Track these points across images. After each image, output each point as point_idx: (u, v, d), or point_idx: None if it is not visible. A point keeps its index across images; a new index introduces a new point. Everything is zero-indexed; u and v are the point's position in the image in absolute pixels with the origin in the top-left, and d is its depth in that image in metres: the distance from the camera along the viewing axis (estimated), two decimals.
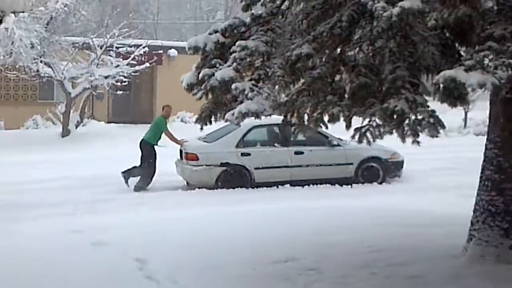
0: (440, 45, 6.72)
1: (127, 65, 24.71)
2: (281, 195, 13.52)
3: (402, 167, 15.26)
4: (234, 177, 14.27)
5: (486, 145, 7.73)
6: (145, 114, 29.78)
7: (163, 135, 14.74)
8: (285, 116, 6.79)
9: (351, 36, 6.68)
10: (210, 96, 7.62)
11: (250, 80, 6.95)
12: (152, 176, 14.48)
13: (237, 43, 7.02)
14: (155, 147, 14.59)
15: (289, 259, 7.89)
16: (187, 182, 14.93)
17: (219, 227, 9.88)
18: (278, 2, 7.40)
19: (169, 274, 7.47)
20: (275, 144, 14.79)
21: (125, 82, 24.88)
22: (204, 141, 14.70)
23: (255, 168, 14.39)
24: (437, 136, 6.30)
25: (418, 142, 6.04)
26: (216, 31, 7.67)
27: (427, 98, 6.31)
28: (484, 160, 7.74)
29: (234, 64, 6.97)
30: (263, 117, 6.90)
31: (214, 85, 7.16)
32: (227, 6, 50.46)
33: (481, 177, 7.76)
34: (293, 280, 7.22)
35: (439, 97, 6.02)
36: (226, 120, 7.36)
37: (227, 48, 7.37)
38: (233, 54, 7.00)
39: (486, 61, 5.74)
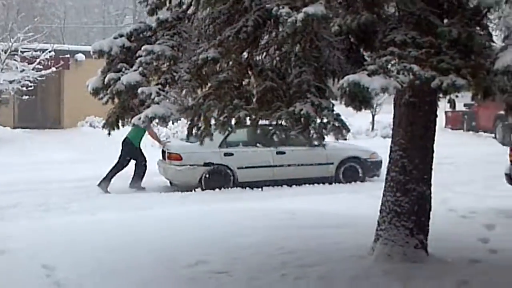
0: (345, 50, 6.85)
1: (32, 69, 24.14)
2: (239, 196, 13.63)
3: (381, 166, 15.58)
4: (217, 177, 14.52)
5: (391, 147, 7.91)
6: (52, 119, 29.15)
7: (146, 134, 14.91)
8: (192, 120, 6.77)
9: (258, 40, 6.71)
10: (116, 100, 7.50)
11: (157, 84, 6.89)
12: (143, 175, 14.78)
13: (143, 48, 6.95)
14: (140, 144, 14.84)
15: (199, 262, 7.85)
16: (170, 182, 15.15)
17: (140, 230, 9.78)
18: (184, 7, 7.36)
19: (79, 280, 7.31)
20: (257, 144, 14.94)
21: (31, 87, 24.31)
22: (187, 141, 14.61)
23: (238, 168, 14.65)
24: (345, 139, 6.39)
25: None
26: (121, 35, 7.57)
27: (334, 102, 6.42)
28: (389, 162, 7.92)
29: (140, 68, 6.88)
30: None
31: (120, 89, 7.05)
32: (135, 10, 49.95)
33: (386, 178, 7.94)
34: (203, 283, 7.20)
35: (345, 101, 6.13)
36: (134, 125, 7.27)
37: (133, 52, 7.28)
38: (139, 59, 6.92)
39: (390, 65, 5.88)
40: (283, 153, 15.05)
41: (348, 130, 6.12)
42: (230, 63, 6.63)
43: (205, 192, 14.19)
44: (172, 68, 6.94)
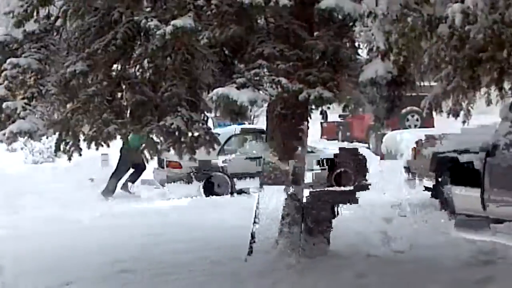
0: (219, 62, 6.89)
1: None
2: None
3: None
4: (216, 184, 14.34)
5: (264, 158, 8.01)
6: None
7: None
8: (60, 135, 6.59)
9: (130, 53, 6.63)
10: None
11: (23, 98, 6.68)
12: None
13: (8, 61, 6.71)
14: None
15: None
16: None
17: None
18: (52, 19, 7.16)
19: None
20: (254, 151, 14.55)
21: None
22: None
23: (236, 176, 14.36)
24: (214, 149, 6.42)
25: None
26: None
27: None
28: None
29: (6, 82, 6.65)
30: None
31: None
32: (8, 22, 48.18)
33: None
34: None
35: (221, 113, 6.16)
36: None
37: None
38: (4, 72, 6.68)
39: (258, 78, 5.97)
40: None
41: (219, 144, 6.16)
42: (100, 76, 6.51)
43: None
44: (39, 82, 6.75)
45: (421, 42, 5.47)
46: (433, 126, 21.54)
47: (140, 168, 14.76)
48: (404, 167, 11.56)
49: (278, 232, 7.94)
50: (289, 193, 7.73)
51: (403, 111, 19.15)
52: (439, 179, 10.55)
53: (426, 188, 10.90)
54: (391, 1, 5.40)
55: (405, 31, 5.34)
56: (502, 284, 7.39)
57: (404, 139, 10.78)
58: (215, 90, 5.71)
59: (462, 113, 6.12)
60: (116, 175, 14.77)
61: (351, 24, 6.36)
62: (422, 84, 7.63)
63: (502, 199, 9.25)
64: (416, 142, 11.39)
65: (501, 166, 9.28)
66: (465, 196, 9.73)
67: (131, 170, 14.93)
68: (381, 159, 11.15)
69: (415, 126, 21.82)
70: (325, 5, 5.99)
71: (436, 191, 10.68)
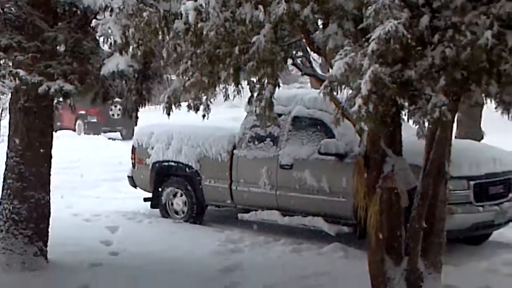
0: None
1: None
2: None
3: None
4: None
5: (7, 153, 7.68)
6: None
7: None
8: None
9: None
10: None
11: None
12: None
13: None
14: None
15: None
16: None
17: None
18: None
19: None
20: None
21: None
22: None
23: None
24: None
25: None
26: None
27: None
28: (5, 169, 7.68)
29: None
30: None
31: None
32: None
33: (3, 185, 7.70)
34: None
35: None
36: None
37: None
38: None
39: None
40: None
41: None
42: None
43: None
44: None
45: (158, 37, 5.56)
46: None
47: None
48: (128, 177, 11.26)
49: None
50: None
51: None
52: (159, 189, 10.62)
53: (146, 199, 10.83)
54: None
55: (141, 25, 5.40)
56: (248, 270, 7.81)
57: (155, 133, 10.70)
58: None
59: (202, 107, 6.29)
60: None
61: (92, 17, 6.30)
62: (169, 77, 7.80)
63: (248, 189, 9.72)
64: (133, 148, 11.08)
65: (246, 158, 9.75)
66: (215, 188, 10.07)
67: None
68: (132, 152, 10.99)
69: (118, 115, 23.35)
70: None
71: (156, 200, 10.67)
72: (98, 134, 23.97)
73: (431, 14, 4.71)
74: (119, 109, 22.92)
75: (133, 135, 23.77)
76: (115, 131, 24.69)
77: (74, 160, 16.18)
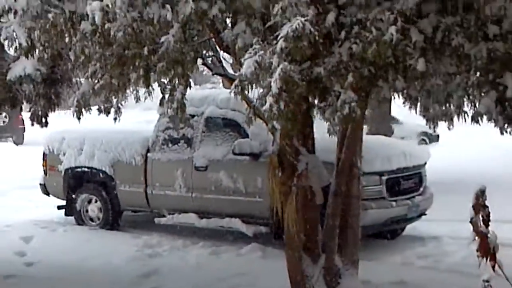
0: None
1: None
2: None
3: None
4: None
5: None
6: None
7: None
8: None
9: None
10: None
11: None
12: None
13: None
14: None
15: None
16: None
17: None
18: None
19: None
20: None
21: None
22: None
23: None
24: None
25: None
26: None
27: None
28: None
29: None
30: None
31: None
32: None
33: None
34: None
35: None
36: None
37: None
38: None
39: None
40: None
41: None
42: None
43: None
44: None
45: (65, 39, 5.42)
46: (23, 125, 23.75)
47: None
48: (40, 184, 10.97)
49: None
50: None
51: None
52: (73, 195, 10.44)
53: (60, 207, 10.61)
54: None
55: (47, 27, 5.25)
56: (166, 275, 7.73)
57: (66, 139, 10.46)
58: None
59: (113, 110, 6.17)
60: None
61: None
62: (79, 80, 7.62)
63: (164, 193, 9.62)
64: (44, 155, 10.82)
65: (161, 161, 9.65)
66: (130, 193, 9.93)
67: None
68: (43, 159, 10.70)
69: (4, 122, 24.33)
70: None
71: (70, 208, 10.50)
72: None
73: (337, 11, 4.76)
74: (5, 116, 23.89)
75: (23, 139, 24.32)
76: (5, 138, 24.25)
77: None
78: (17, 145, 23.24)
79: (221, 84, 20.01)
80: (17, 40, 5.54)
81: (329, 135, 5.39)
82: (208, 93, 10.07)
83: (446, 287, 7.10)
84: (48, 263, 8.34)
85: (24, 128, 24.32)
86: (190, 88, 5.84)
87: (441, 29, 4.71)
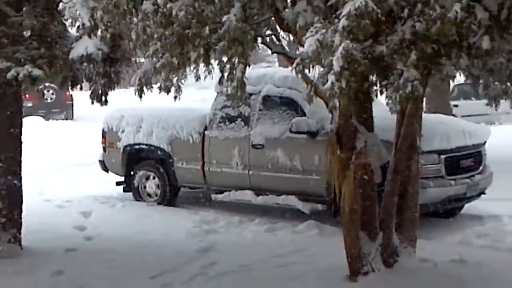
0: None
1: None
2: None
3: None
4: None
5: None
6: None
7: None
8: None
9: None
10: None
11: None
12: None
13: None
14: None
15: None
16: None
17: None
18: None
19: None
20: None
21: None
22: None
23: None
24: None
25: None
26: None
27: None
28: None
29: None
30: None
31: None
32: None
33: None
34: None
35: None
36: None
37: None
38: None
39: None
40: None
41: None
42: None
43: None
44: None
45: (127, 18, 5.50)
46: (72, 101, 25.13)
47: None
48: (99, 161, 11.13)
49: None
50: None
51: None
52: (131, 172, 10.58)
53: (118, 183, 10.76)
54: None
55: (110, 8, 5.33)
56: (223, 251, 7.82)
57: (125, 116, 10.61)
58: None
59: (173, 88, 6.24)
60: None
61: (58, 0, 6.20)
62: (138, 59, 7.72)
63: (221, 170, 9.71)
64: (103, 132, 10.98)
65: (218, 139, 9.73)
66: (187, 170, 10.05)
67: None
68: (103, 136, 10.88)
69: (51, 99, 25.07)
70: None
71: (128, 184, 10.63)
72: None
73: None
74: (52, 93, 24.72)
75: (73, 115, 24.90)
76: (53, 113, 24.88)
77: (42, 146, 15.96)
78: (66, 120, 24.15)
79: (276, 63, 19.98)
80: (79, 20, 5.65)
81: (391, 113, 5.36)
82: (265, 72, 10.05)
83: (506, 266, 7.00)
84: (108, 237, 8.52)
85: (73, 103, 25.39)
86: (249, 67, 5.88)
87: (506, 6, 4.63)
